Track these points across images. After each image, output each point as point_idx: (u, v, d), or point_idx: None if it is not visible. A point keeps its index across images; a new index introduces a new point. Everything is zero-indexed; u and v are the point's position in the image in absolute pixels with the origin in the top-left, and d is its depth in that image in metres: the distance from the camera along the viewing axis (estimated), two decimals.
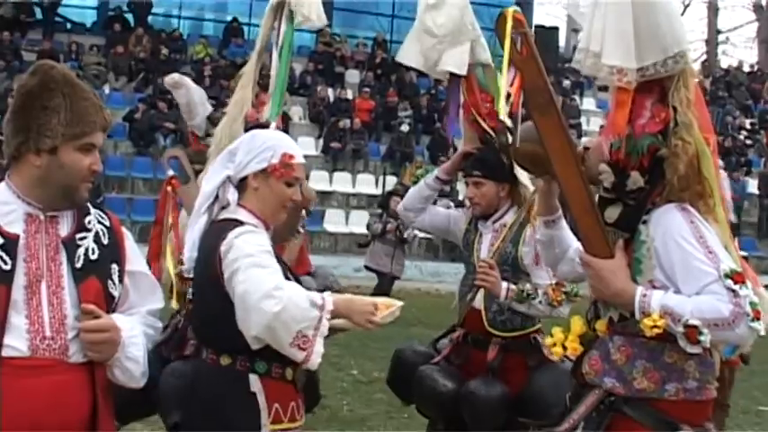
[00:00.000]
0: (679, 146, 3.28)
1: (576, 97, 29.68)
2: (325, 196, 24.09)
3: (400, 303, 3.58)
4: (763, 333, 3.20)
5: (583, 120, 28.48)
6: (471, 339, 5.21)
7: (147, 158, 22.95)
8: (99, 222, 3.21)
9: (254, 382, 3.50)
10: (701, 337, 3.15)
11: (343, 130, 25.39)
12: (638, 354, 3.35)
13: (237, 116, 5.33)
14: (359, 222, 23.06)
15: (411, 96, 27.63)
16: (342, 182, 24.67)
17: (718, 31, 45.12)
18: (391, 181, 23.92)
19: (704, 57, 42.28)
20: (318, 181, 24.19)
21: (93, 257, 3.13)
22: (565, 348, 3.64)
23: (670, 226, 3.29)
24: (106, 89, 24.82)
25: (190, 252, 3.70)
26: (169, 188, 5.41)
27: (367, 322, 3.48)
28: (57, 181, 3.02)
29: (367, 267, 16.01)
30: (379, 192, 23.81)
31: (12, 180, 3.08)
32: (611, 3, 3.34)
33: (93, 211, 3.22)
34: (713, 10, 44.37)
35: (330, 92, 27.32)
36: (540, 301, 4.97)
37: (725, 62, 41.48)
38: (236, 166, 3.65)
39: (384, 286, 15.37)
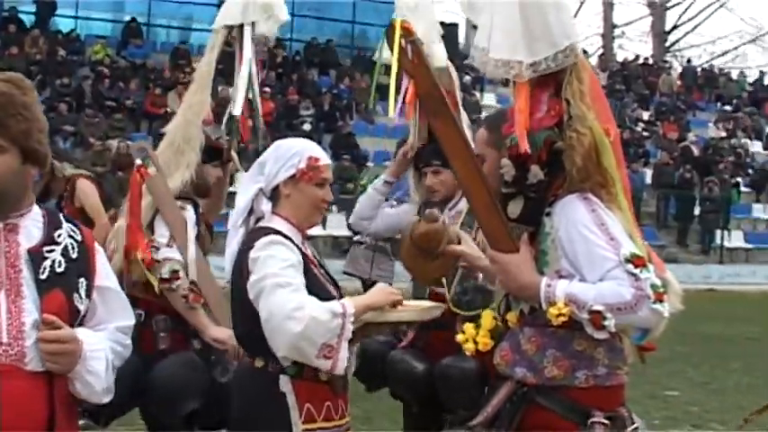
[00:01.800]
0: (574, 138, 3.33)
1: (477, 93, 29.98)
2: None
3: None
4: (666, 315, 3.27)
5: (483, 115, 28.73)
6: (434, 322, 5.27)
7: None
8: (69, 236, 3.17)
9: (284, 383, 3.60)
10: (606, 322, 3.21)
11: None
12: (548, 343, 3.39)
13: (194, 119, 5.41)
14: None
15: (313, 95, 27.63)
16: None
17: (614, 26, 45.95)
18: None
19: (601, 50, 43.02)
20: None
21: (60, 270, 3.09)
22: (476, 343, 3.66)
23: (572, 215, 3.35)
24: None
25: (229, 265, 3.81)
26: (138, 177, 5.20)
27: (390, 296, 3.69)
28: None
29: (347, 273, 15.13)
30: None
31: None
32: (498, 6, 3.40)
33: (65, 225, 3.19)
34: (609, 5, 45.21)
35: (229, 91, 27.10)
36: None
37: (621, 56, 42.26)
38: (267, 177, 3.79)
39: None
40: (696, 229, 27.69)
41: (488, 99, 30.54)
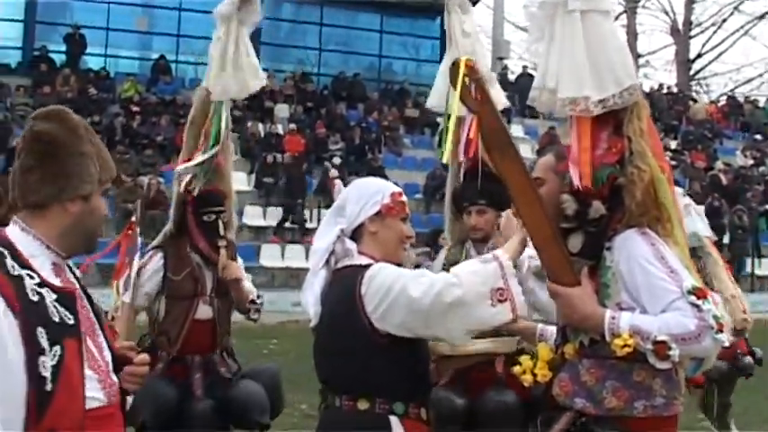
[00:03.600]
0: (635, 174, 3.45)
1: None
2: (259, 231, 24.09)
3: None
4: (727, 345, 3.38)
5: None
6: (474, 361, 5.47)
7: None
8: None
9: (396, 425, 3.56)
10: (671, 352, 3.30)
11: (275, 165, 25.43)
12: (607, 375, 3.46)
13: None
14: (294, 257, 23.10)
15: (342, 129, 27.77)
16: (276, 216, 24.67)
17: (639, 55, 45.94)
18: (325, 214, 23.94)
19: None
20: (253, 216, 24.20)
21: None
22: (535, 375, 3.74)
23: (633, 249, 3.44)
24: None
25: (314, 307, 3.75)
26: (127, 233, 6.00)
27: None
28: (86, 227, 2.96)
29: None
30: (313, 225, 23.86)
31: (35, 229, 2.92)
32: (565, 40, 3.51)
33: None
34: (633, 34, 45.18)
35: (260, 127, 27.35)
36: None
37: (646, 85, 42.27)
38: (349, 218, 3.81)
39: None
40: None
41: (516, 131, 30.55)
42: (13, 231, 2.89)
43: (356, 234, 3.80)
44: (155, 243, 6.17)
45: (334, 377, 3.67)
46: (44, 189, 2.86)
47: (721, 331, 3.31)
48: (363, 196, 3.82)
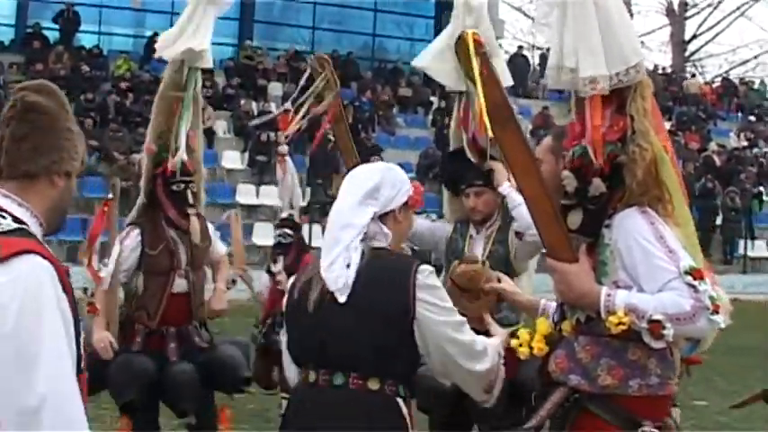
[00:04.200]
0: (636, 152, 3.44)
1: None
2: (252, 210, 24.08)
3: None
4: (722, 326, 3.39)
5: None
6: None
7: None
8: None
9: (402, 406, 3.56)
10: (665, 332, 3.30)
11: (268, 143, 25.39)
12: (602, 352, 3.48)
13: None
14: None
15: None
16: (269, 195, 24.64)
17: None
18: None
19: None
20: (245, 194, 24.19)
21: None
22: (531, 348, 3.78)
23: (632, 228, 3.44)
24: None
25: (347, 279, 3.55)
26: (103, 209, 6.01)
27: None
28: (64, 205, 2.86)
29: None
30: (306, 203, 23.84)
31: (26, 200, 2.77)
32: (578, 19, 3.49)
33: None
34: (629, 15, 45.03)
35: (254, 105, 27.31)
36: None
37: None
38: (384, 202, 3.66)
39: None
40: (719, 239, 27.60)
41: None
42: (3, 203, 2.75)
43: (382, 219, 3.68)
44: (130, 219, 6.32)
45: (347, 356, 3.53)
46: (39, 159, 2.77)
47: (717, 312, 3.31)
48: (398, 182, 3.69)
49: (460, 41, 3.65)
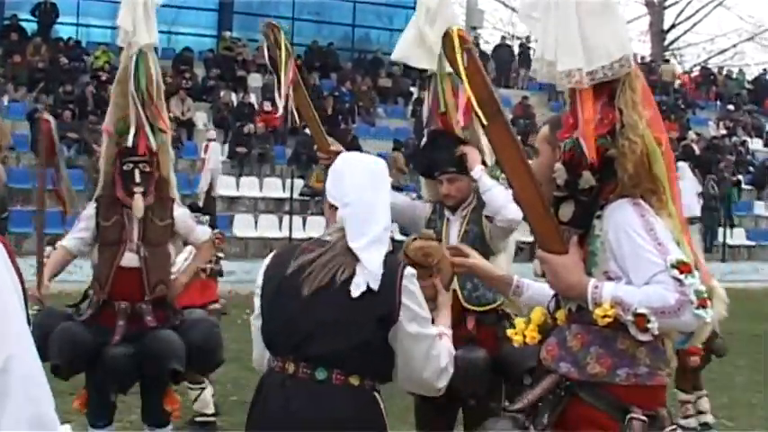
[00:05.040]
0: (626, 145, 3.44)
1: None
2: (232, 201, 24.05)
3: None
4: (709, 321, 3.37)
5: None
6: None
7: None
8: None
9: (380, 400, 3.60)
10: (650, 325, 3.32)
11: (249, 135, 25.36)
12: (592, 340, 3.50)
13: None
14: (268, 226, 23.10)
15: (315, 99, 27.67)
16: (249, 186, 24.62)
17: None
18: (298, 184, 23.99)
19: None
20: (226, 186, 24.13)
21: None
22: (525, 337, 3.85)
23: (622, 219, 3.46)
24: (5, 100, 24.45)
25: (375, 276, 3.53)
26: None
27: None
28: None
29: None
30: (286, 195, 23.83)
31: None
32: (559, 12, 3.52)
33: None
34: None
35: (233, 96, 27.26)
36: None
37: None
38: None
39: None
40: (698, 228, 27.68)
41: None
42: None
43: None
44: (96, 195, 6.67)
45: (334, 352, 3.50)
46: None
47: (703, 307, 3.32)
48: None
49: (446, 38, 3.67)
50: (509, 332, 3.94)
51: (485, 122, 3.57)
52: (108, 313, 6.36)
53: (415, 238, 4.05)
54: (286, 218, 23.38)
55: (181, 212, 6.71)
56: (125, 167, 6.44)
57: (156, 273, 6.44)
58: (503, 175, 6.15)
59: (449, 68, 5.74)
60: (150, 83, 6.45)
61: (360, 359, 3.51)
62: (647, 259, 3.38)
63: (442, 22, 5.69)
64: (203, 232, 6.77)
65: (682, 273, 3.33)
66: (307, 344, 3.52)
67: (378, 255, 3.53)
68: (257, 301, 3.73)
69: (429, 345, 3.56)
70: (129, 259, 6.40)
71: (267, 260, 3.78)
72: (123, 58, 6.57)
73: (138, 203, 6.39)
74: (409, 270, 3.58)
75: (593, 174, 3.51)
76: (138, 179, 6.41)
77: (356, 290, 3.48)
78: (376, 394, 3.58)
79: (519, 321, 3.91)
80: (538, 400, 3.57)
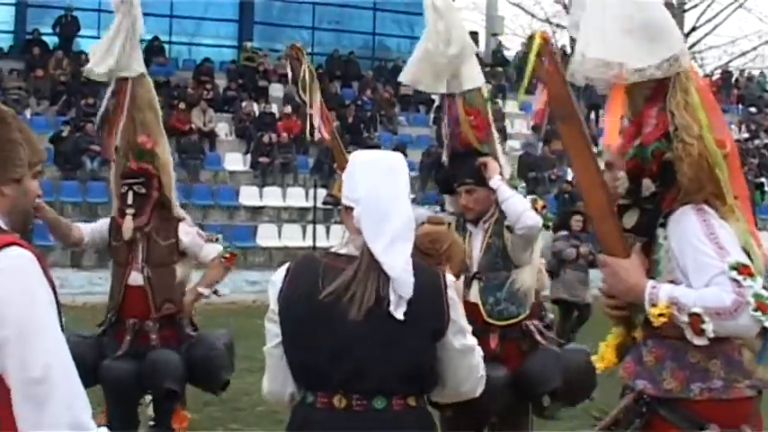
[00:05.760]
0: (680, 148, 3.38)
1: (499, 101, 29.99)
2: (256, 211, 24.09)
3: None
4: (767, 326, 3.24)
5: (507, 123, 28.79)
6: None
7: (74, 182, 22.74)
8: None
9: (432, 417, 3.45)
10: (704, 326, 3.20)
11: (271, 145, 25.40)
12: (665, 354, 3.43)
13: None
14: (291, 236, 23.12)
15: (336, 108, 27.73)
16: (272, 196, 24.67)
17: None
18: (321, 193, 24.01)
19: None
20: (249, 196, 24.20)
21: None
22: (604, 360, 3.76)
23: (685, 227, 3.38)
24: (27, 113, 24.57)
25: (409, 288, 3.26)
26: None
27: None
28: (22, 208, 3.09)
29: (557, 301, 12.63)
30: (309, 204, 23.85)
31: None
32: (608, 8, 3.48)
33: None
34: None
35: (255, 106, 27.32)
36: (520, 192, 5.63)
37: None
38: (408, 188, 3.46)
39: (583, 316, 12.82)
40: None
41: (511, 107, 30.55)
42: None
43: None
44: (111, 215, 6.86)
45: (390, 379, 3.25)
46: None
47: (762, 311, 3.20)
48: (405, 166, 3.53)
49: (530, 39, 3.72)
50: (593, 357, 3.84)
51: (559, 121, 3.59)
52: (120, 329, 6.51)
53: (422, 223, 3.96)
54: (309, 227, 23.39)
55: (187, 231, 6.70)
56: (122, 189, 6.55)
57: (161, 292, 6.52)
58: (522, 184, 6.20)
59: (464, 88, 5.83)
60: (142, 109, 6.63)
61: (415, 379, 3.30)
62: (706, 263, 3.29)
63: (457, 46, 5.73)
64: (213, 250, 6.72)
65: (740, 274, 3.23)
66: (360, 376, 3.24)
67: (401, 256, 3.24)
68: (274, 329, 3.40)
69: (472, 356, 3.40)
70: (135, 278, 6.51)
71: (279, 282, 3.41)
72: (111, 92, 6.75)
73: (127, 225, 6.48)
74: (450, 278, 3.40)
75: (653, 180, 3.48)
76: (130, 200, 6.50)
77: (397, 311, 3.21)
78: (429, 410, 3.46)
79: (601, 346, 3.78)
80: (618, 418, 3.53)
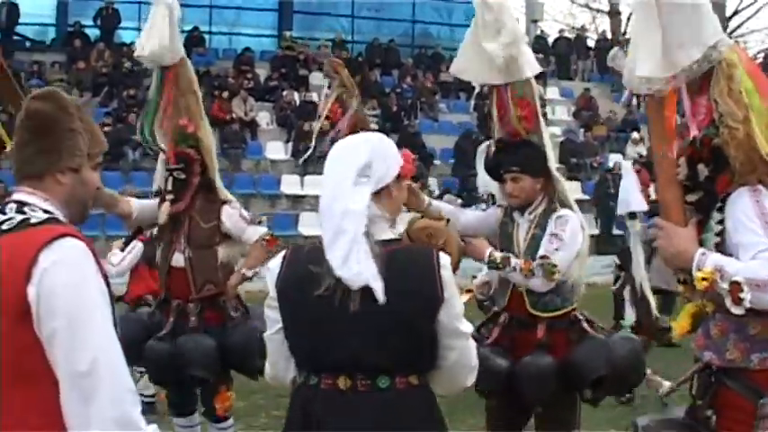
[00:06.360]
0: (725, 133, 3.54)
1: (540, 87, 29.83)
2: (297, 200, 24.14)
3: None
4: None
5: (548, 109, 28.64)
6: (516, 322, 5.66)
7: (116, 173, 22.90)
8: None
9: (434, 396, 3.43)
10: (742, 295, 3.34)
11: (311, 133, 25.38)
12: (729, 327, 3.60)
13: None
14: None
15: (377, 96, 27.72)
16: (313, 185, 24.68)
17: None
18: None
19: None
20: (290, 185, 24.25)
21: None
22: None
23: (738, 206, 3.54)
24: None
25: (379, 283, 3.20)
26: None
27: None
28: (80, 198, 3.11)
29: (657, 290, 12.30)
30: None
31: (47, 195, 3.03)
32: (638, 20, 3.67)
33: None
34: None
35: (296, 95, 27.36)
36: (515, 268, 5.45)
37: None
38: (378, 178, 3.33)
39: (669, 305, 11.67)
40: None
41: (552, 93, 30.43)
42: (29, 199, 3.01)
43: (375, 196, 3.33)
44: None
45: (389, 359, 3.28)
46: (38, 161, 3.04)
47: None
48: (389, 155, 3.40)
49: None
50: (672, 324, 4.07)
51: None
52: (166, 309, 6.69)
53: (422, 217, 3.91)
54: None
55: (230, 214, 6.69)
56: (165, 175, 6.67)
57: (202, 273, 6.62)
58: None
59: (515, 78, 5.77)
60: (183, 93, 6.74)
61: (415, 358, 3.31)
62: (752, 240, 3.45)
63: (507, 35, 5.69)
64: (254, 233, 6.70)
65: None
66: (361, 358, 3.27)
67: (356, 265, 3.19)
68: (274, 315, 3.42)
69: (465, 341, 3.38)
70: (177, 260, 6.65)
71: (276, 269, 3.42)
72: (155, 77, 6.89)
73: (163, 210, 6.59)
74: (445, 258, 3.32)
75: (706, 165, 3.63)
76: (169, 186, 6.60)
77: (380, 295, 3.20)
78: (431, 390, 3.42)
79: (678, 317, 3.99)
80: (681, 383, 3.81)
